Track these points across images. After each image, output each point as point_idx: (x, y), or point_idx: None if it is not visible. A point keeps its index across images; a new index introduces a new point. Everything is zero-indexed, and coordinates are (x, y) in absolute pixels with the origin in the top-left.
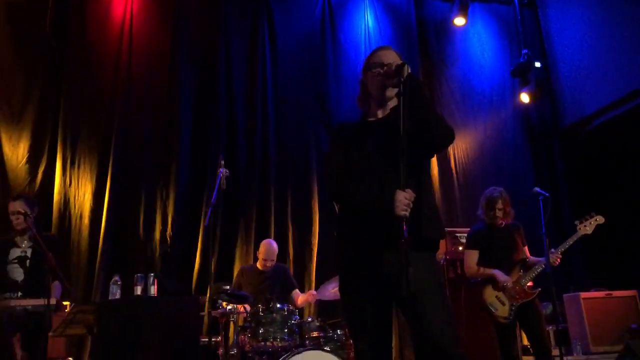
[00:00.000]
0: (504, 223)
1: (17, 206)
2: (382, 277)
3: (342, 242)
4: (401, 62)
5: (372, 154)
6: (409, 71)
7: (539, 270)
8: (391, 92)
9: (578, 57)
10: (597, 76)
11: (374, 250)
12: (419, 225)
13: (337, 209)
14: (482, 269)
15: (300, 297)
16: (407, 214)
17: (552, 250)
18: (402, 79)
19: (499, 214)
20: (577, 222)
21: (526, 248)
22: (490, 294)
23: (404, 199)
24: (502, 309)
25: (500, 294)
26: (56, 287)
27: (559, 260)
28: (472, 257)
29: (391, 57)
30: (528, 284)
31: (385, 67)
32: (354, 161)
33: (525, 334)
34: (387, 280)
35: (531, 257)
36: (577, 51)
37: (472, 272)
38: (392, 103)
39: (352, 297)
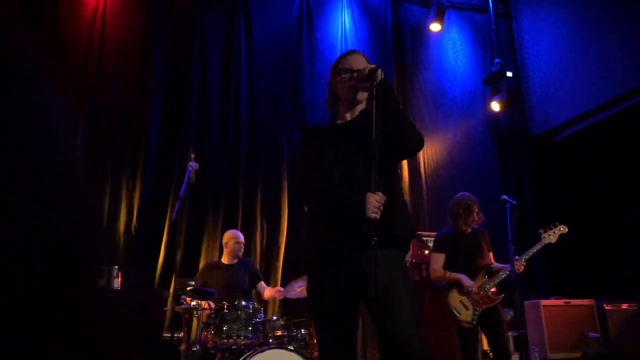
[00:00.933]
0: (470, 228)
1: None
2: (350, 276)
3: (311, 241)
4: (374, 66)
5: (342, 156)
6: (382, 76)
7: (503, 276)
8: (362, 95)
9: (548, 68)
10: (566, 88)
11: (344, 250)
12: (391, 223)
13: (306, 208)
14: (447, 273)
15: (266, 291)
16: (378, 216)
17: (517, 257)
18: (375, 83)
19: (476, 218)
20: (541, 231)
21: (491, 254)
22: (454, 298)
23: (374, 202)
24: (465, 314)
25: (464, 299)
26: None
27: (522, 267)
28: (439, 260)
29: (361, 62)
30: (492, 290)
31: (357, 71)
32: (324, 163)
33: (487, 338)
34: (356, 280)
35: (496, 263)
36: (547, 62)
37: (437, 275)
38: (361, 106)
39: (320, 295)
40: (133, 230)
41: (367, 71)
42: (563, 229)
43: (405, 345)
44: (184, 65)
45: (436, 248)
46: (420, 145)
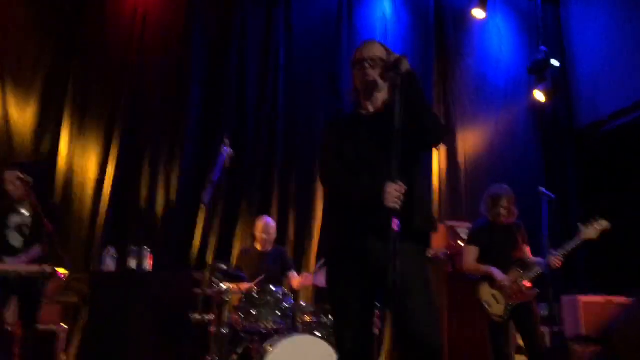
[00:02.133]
0: (505, 221)
1: (11, 175)
2: (369, 267)
3: (331, 230)
4: (400, 55)
5: (365, 147)
6: (408, 65)
7: (538, 271)
8: (381, 89)
9: (597, 57)
10: (615, 78)
11: (363, 240)
12: (411, 217)
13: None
14: (480, 266)
15: (295, 280)
16: (398, 206)
17: (553, 252)
18: (400, 73)
19: (504, 212)
20: (581, 226)
21: (527, 248)
22: (486, 292)
23: (394, 191)
24: (497, 307)
25: (497, 292)
26: (34, 249)
27: (560, 262)
28: (472, 253)
29: (374, 50)
30: (526, 284)
31: (383, 61)
32: (347, 153)
33: (520, 334)
34: (374, 271)
35: (531, 257)
36: (596, 51)
37: (470, 268)
38: (382, 96)
39: (339, 284)
40: (170, 214)
41: (392, 60)
42: (604, 224)
43: (419, 341)
44: (223, 51)
45: (470, 241)
46: (441, 138)
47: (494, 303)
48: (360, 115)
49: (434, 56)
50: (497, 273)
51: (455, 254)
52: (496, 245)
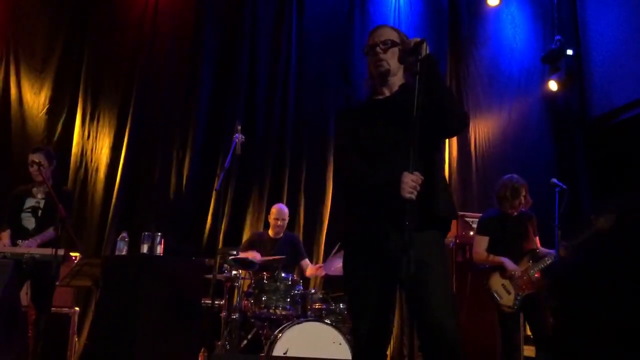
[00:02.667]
0: (516, 212)
1: (35, 158)
2: (387, 257)
3: (349, 219)
4: (420, 39)
5: (382, 133)
6: (428, 50)
7: (548, 262)
8: (396, 69)
9: (612, 47)
10: (630, 69)
11: (380, 230)
12: (431, 204)
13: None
14: (491, 256)
15: (309, 269)
16: (414, 196)
17: (564, 243)
18: (419, 57)
19: (523, 201)
20: (592, 217)
21: (537, 239)
22: (496, 282)
23: (410, 182)
24: (507, 298)
25: (507, 283)
26: (48, 232)
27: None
28: (482, 243)
29: (385, 34)
30: (536, 275)
31: (402, 44)
32: (363, 140)
33: (529, 324)
34: (392, 261)
35: (542, 248)
36: (611, 41)
37: (480, 258)
38: (398, 80)
39: (356, 275)
40: (182, 199)
41: (412, 44)
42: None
43: (437, 329)
44: (235, 38)
45: (480, 230)
46: (464, 125)
47: (504, 293)
48: (375, 100)
49: (448, 45)
50: (508, 263)
51: (466, 244)
52: (507, 235)
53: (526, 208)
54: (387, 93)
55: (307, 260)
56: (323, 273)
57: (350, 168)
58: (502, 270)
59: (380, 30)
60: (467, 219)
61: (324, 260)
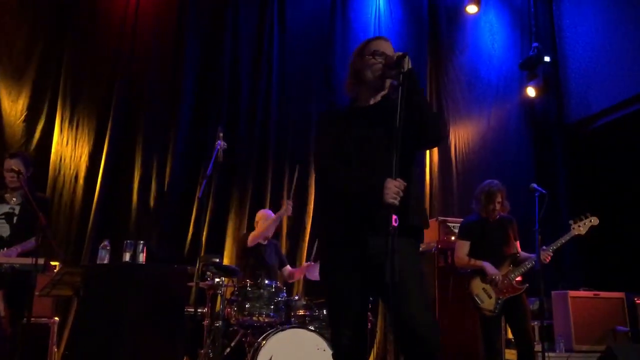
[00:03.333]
0: (498, 216)
1: (12, 164)
2: (367, 262)
3: (328, 223)
4: (402, 53)
5: (362, 140)
6: (410, 64)
7: (528, 266)
8: (388, 82)
9: (588, 54)
10: (606, 75)
11: (361, 235)
12: (407, 213)
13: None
14: (472, 260)
15: (297, 273)
16: (397, 202)
17: (544, 247)
18: (402, 71)
19: (498, 207)
20: (571, 222)
21: (517, 243)
22: (477, 286)
23: (394, 187)
24: (488, 302)
25: (488, 287)
26: (29, 242)
27: (549, 258)
28: (463, 248)
29: (390, 49)
30: (517, 279)
31: (386, 57)
32: (344, 146)
33: (510, 328)
34: (372, 266)
35: (522, 252)
36: (587, 48)
37: (462, 262)
38: (383, 92)
39: (337, 278)
40: (163, 206)
41: (395, 58)
42: (594, 220)
43: (417, 330)
44: (217, 43)
45: (461, 235)
46: (441, 137)
47: (485, 297)
48: (359, 107)
49: (427, 52)
50: (488, 267)
51: (447, 249)
52: (488, 240)
53: (504, 213)
54: (371, 102)
55: (288, 267)
56: (301, 276)
57: (332, 172)
58: (482, 274)
59: (386, 42)
60: (448, 224)
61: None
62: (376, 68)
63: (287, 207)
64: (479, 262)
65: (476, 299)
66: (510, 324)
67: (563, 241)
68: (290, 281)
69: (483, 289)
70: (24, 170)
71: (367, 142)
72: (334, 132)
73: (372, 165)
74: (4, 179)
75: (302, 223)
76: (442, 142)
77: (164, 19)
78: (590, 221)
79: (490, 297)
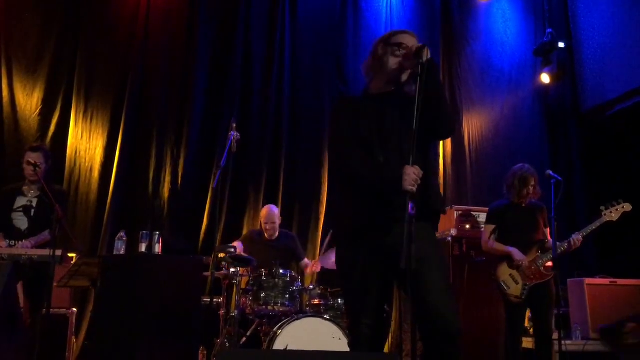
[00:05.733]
0: (526, 202)
1: (34, 157)
2: (383, 248)
3: (345, 211)
4: (422, 44)
5: (380, 126)
6: (429, 55)
7: (557, 252)
8: (406, 75)
9: (603, 39)
10: (622, 60)
11: (378, 222)
12: (427, 198)
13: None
14: (499, 246)
15: (308, 269)
16: (414, 189)
17: (576, 233)
18: (421, 62)
19: (532, 190)
20: (602, 208)
21: (548, 230)
22: (504, 272)
23: (412, 174)
24: (514, 288)
25: (515, 273)
26: (43, 234)
27: (579, 243)
28: (490, 232)
29: (413, 43)
30: (545, 265)
31: (405, 48)
32: (360, 132)
33: (532, 314)
34: (388, 252)
35: (551, 239)
36: (602, 33)
37: (487, 247)
38: (399, 82)
39: (356, 270)
40: (177, 197)
41: (414, 49)
42: (627, 207)
43: (438, 317)
44: (228, 34)
45: (488, 219)
46: (451, 131)
47: (512, 283)
48: (375, 94)
49: (440, 40)
50: (516, 253)
51: (462, 238)
52: (517, 225)
53: (536, 199)
54: (384, 89)
55: (306, 260)
56: (319, 268)
57: (349, 160)
58: (510, 260)
59: (412, 37)
60: (463, 212)
61: (320, 254)
62: (397, 61)
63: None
64: (506, 248)
65: (502, 284)
66: (532, 311)
67: (594, 227)
68: (307, 275)
69: (510, 274)
70: (43, 163)
71: (382, 129)
72: (350, 119)
73: (388, 151)
74: (23, 171)
75: (315, 214)
76: (450, 134)
77: (176, 10)
78: (623, 207)
79: (517, 283)
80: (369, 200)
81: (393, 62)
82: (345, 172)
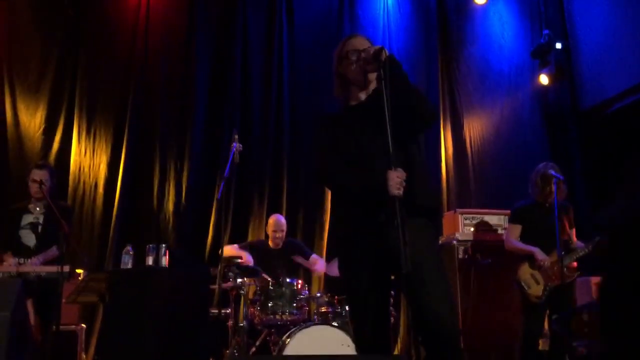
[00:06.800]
0: (551, 201)
1: (40, 176)
2: (379, 252)
3: (340, 222)
4: (378, 47)
5: (360, 136)
6: (387, 54)
7: (581, 254)
8: (372, 76)
9: (600, 38)
10: (619, 58)
11: (371, 228)
12: (413, 195)
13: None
14: (521, 245)
15: (317, 265)
16: (401, 192)
17: (598, 237)
18: (381, 63)
19: (556, 188)
20: None
21: (573, 231)
22: (525, 271)
23: (395, 178)
24: (535, 288)
25: (536, 273)
26: (51, 250)
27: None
28: (514, 231)
29: (364, 44)
30: (569, 267)
31: (363, 52)
32: (342, 145)
33: (550, 317)
34: (385, 256)
35: (578, 241)
36: (599, 32)
37: (510, 246)
38: (373, 85)
39: (353, 274)
40: (182, 210)
41: (372, 52)
42: None
43: (434, 316)
44: (227, 46)
45: (512, 219)
46: (431, 117)
47: (532, 283)
48: (352, 106)
49: (437, 45)
50: (538, 253)
51: (468, 241)
52: (541, 225)
53: (561, 199)
54: (362, 98)
55: (314, 256)
56: (323, 269)
57: (333, 174)
58: (531, 259)
59: (359, 39)
60: (466, 216)
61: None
62: (356, 67)
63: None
64: (528, 247)
65: (523, 284)
66: (551, 313)
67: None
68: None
69: (531, 274)
70: (48, 180)
71: (364, 138)
72: (331, 134)
73: (372, 159)
74: (29, 189)
75: (319, 221)
76: (433, 120)
77: (174, 25)
78: None
79: (538, 283)
80: (359, 208)
81: (351, 71)
82: (333, 187)
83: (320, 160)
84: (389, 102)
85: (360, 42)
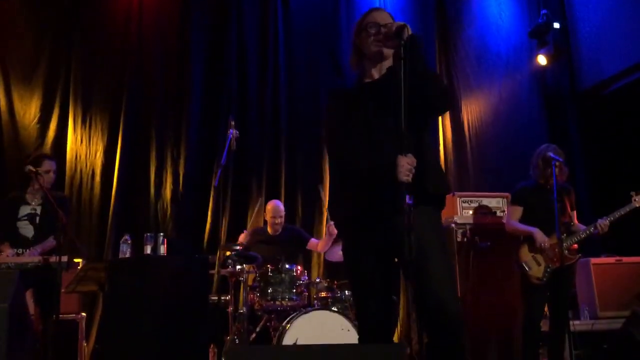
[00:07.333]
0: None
1: (52, 165)
2: (384, 237)
3: (344, 203)
4: (401, 23)
5: (372, 116)
6: (410, 32)
7: (582, 236)
8: (388, 51)
9: (599, 17)
10: (618, 38)
11: (377, 213)
12: (425, 182)
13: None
14: (522, 226)
15: (320, 242)
16: (410, 179)
17: (603, 217)
18: (402, 42)
19: (556, 171)
20: (633, 193)
21: (574, 213)
22: (526, 253)
23: (406, 164)
24: (536, 269)
25: (537, 254)
26: (49, 240)
27: (607, 228)
28: (514, 213)
29: (386, 19)
30: (570, 248)
31: (384, 28)
32: (354, 123)
33: (551, 297)
34: (390, 241)
35: (579, 224)
36: (597, 11)
37: (510, 227)
38: (388, 63)
39: (358, 257)
40: (180, 198)
41: (394, 28)
42: None
43: (439, 302)
44: (222, 33)
45: (513, 200)
46: (447, 103)
47: (533, 264)
48: (365, 83)
49: (435, 27)
50: (537, 234)
51: (466, 224)
52: (541, 206)
53: (562, 180)
54: (376, 76)
55: (313, 240)
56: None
57: (344, 154)
58: (531, 241)
59: (381, 13)
60: (465, 199)
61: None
62: (372, 41)
63: (330, 228)
64: (529, 229)
65: (524, 265)
66: (551, 294)
67: (622, 212)
68: (321, 251)
69: (532, 256)
70: (56, 171)
71: (376, 117)
72: (343, 110)
73: (382, 141)
74: (37, 180)
75: (317, 207)
76: (449, 108)
77: (168, 11)
78: None
79: (539, 264)
80: (366, 192)
81: (369, 45)
82: (341, 166)
83: (332, 138)
84: (406, 82)
85: (381, 16)
